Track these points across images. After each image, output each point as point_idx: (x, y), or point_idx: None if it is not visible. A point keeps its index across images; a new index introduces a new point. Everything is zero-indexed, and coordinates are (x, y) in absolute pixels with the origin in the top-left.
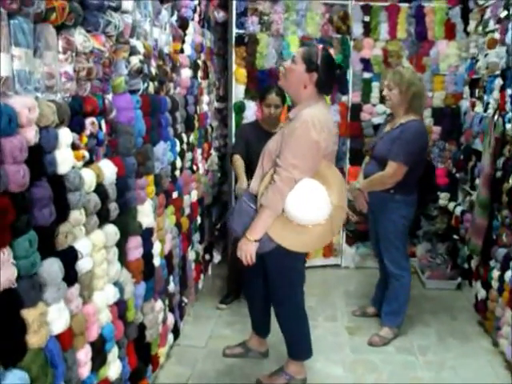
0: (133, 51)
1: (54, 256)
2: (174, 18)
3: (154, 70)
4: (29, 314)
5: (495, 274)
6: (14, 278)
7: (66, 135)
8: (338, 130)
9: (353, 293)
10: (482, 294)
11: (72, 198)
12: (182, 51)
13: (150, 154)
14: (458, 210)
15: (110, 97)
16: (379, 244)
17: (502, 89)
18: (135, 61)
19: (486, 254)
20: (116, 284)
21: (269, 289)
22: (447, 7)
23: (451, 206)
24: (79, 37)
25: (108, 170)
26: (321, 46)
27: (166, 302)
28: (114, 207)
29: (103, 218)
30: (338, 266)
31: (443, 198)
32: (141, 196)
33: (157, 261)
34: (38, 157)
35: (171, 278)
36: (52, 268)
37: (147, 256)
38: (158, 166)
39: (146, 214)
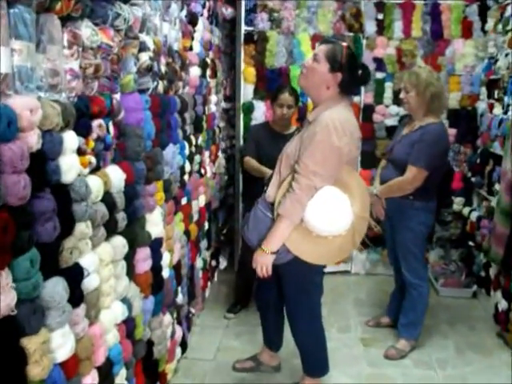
0: (142, 47)
1: (58, 275)
2: (184, 13)
3: (163, 68)
4: (30, 343)
5: None
6: (13, 304)
7: (71, 139)
8: (360, 134)
9: (365, 301)
10: (503, 304)
11: (78, 210)
12: (191, 48)
13: (160, 157)
14: (474, 215)
15: (118, 96)
16: (396, 252)
17: None
18: (145, 58)
19: (507, 263)
20: (124, 300)
21: (284, 302)
22: (464, 5)
23: (466, 211)
24: (86, 30)
25: (116, 176)
26: (345, 43)
27: (175, 314)
28: (122, 217)
29: (111, 229)
30: (348, 272)
31: (458, 203)
32: (150, 204)
33: (166, 272)
34: (41, 165)
35: (180, 289)
36: (56, 289)
37: (156, 268)
38: (167, 171)
39: (155, 223)
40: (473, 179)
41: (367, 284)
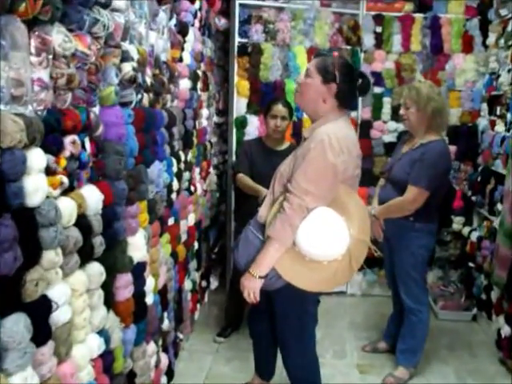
0: (125, 57)
1: (20, 310)
2: (173, 22)
3: (149, 80)
4: None
5: None
6: None
7: (37, 158)
8: (360, 152)
9: (361, 324)
10: (506, 330)
11: (45, 236)
12: (180, 60)
13: (144, 176)
14: (474, 235)
15: (96, 110)
16: (395, 276)
17: None
18: (128, 68)
19: (511, 288)
20: (101, 333)
21: (275, 331)
22: (465, 19)
23: (466, 230)
24: (58, 36)
25: (92, 197)
26: (336, 52)
27: (160, 342)
28: (99, 242)
29: (86, 255)
30: (344, 293)
31: (457, 223)
32: (132, 226)
33: (149, 299)
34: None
35: (165, 314)
36: (16, 328)
37: (139, 295)
38: (152, 190)
39: (137, 247)
40: (473, 198)
41: (363, 306)
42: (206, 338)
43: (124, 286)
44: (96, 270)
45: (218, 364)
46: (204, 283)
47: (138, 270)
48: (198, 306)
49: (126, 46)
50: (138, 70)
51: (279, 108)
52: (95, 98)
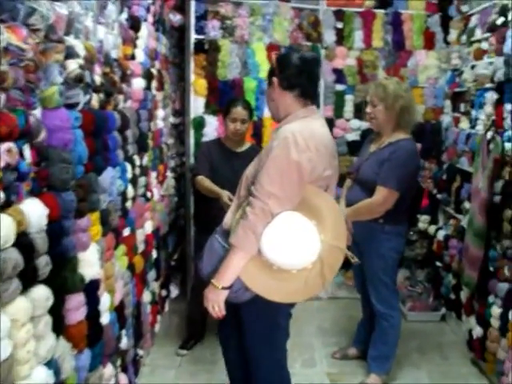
0: (70, 53)
1: None
2: (124, 16)
3: (98, 79)
4: None
5: (495, 311)
6: None
7: None
8: (334, 151)
9: (329, 329)
10: (477, 331)
11: None
12: (133, 57)
13: (95, 185)
14: (441, 234)
15: (37, 113)
16: (364, 280)
17: (498, 103)
18: (73, 66)
19: (481, 288)
20: (50, 364)
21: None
22: (426, 15)
23: (432, 229)
24: None
25: (35, 212)
26: (274, 52)
27: (118, 362)
28: (44, 262)
29: (29, 279)
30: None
31: (423, 221)
32: (83, 241)
33: (105, 318)
34: None
35: (123, 332)
36: None
37: (93, 315)
38: (104, 200)
39: (89, 264)
40: (439, 196)
41: (331, 309)
42: (167, 350)
43: (75, 308)
44: (41, 294)
45: (182, 379)
46: (164, 292)
47: (91, 289)
48: (159, 317)
49: (70, 40)
50: (86, 67)
51: (239, 111)
52: (35, 100)
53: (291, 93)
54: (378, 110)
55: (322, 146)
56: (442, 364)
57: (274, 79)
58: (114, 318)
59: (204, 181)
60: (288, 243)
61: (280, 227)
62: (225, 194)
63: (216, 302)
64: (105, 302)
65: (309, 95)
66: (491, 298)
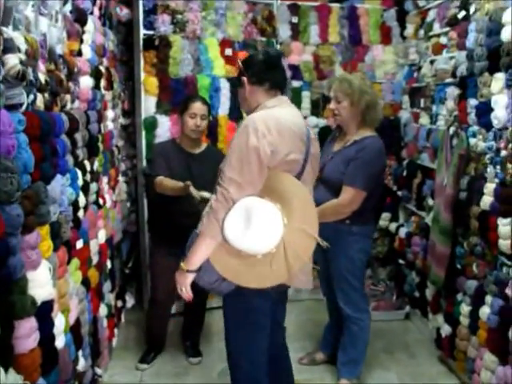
0: (8, 47)
1: None
2: (68, 7)
3: (42, 77)
4: None
5: (464, 309)
6: None
7: None
8: (305, 136)
9: (294, 334)
10: (446, 330)
11: None
12: (79, 53)
13: (43, 195)
14: (403, 231)
15: None
16: (331, 283)
17: (461, 98)
18: (13, 61)
19: (449, 286)
20: None
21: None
22: (382, 9)
23: (393, 227)
24: None
25: None
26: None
27: None
28: None
29: None
30: None
31: (384, 219)
32: (32, 259)
33: (60, 341)
34: None
35: (80, 353)
36: None
37: (46, 340)
38: (54, 211)
39: (40, 284)
40: (399, 193)
41: (293, 313)
42: (126, 365)
43: (26, 335)
44: None
45: None
46: (120, 303)
47: (44, 311)
48: (116, 330)
49: (9, 32)
50: (28, 63)
51: (198, 106)
52: None
53: (261, 87)
54: (342, 107)
55: (286, 130)
56: (410, 364)
57: (244, 78)
58: (69, 340)
59: (165, 180)
60: (248, 227)
61: (240, 212)
62: (189, 183)
63: (183, 285)
64: (59, 323)
65: (278, 87)
66: (459, 296)
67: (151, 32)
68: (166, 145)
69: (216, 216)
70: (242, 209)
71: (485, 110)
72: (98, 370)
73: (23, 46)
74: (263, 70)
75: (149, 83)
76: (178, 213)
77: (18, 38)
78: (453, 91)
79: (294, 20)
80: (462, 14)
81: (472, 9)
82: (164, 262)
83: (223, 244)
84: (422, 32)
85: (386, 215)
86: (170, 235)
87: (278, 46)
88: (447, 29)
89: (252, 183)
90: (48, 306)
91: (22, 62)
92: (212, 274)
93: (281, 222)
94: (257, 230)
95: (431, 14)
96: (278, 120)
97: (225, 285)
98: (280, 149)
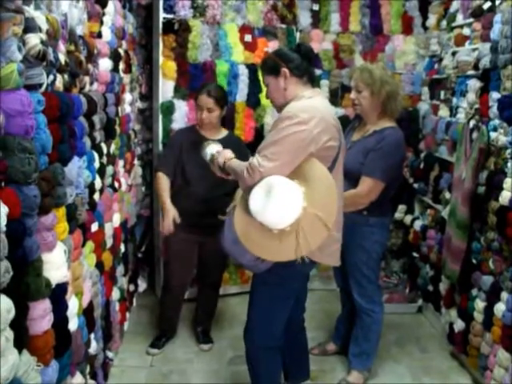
0: (30, 26)
1: None
2: None
3: (62, 58)
4: None
5: (479, 304)
6: None
7: None
8: (339, 126)
9: (305, 324)
10: (459, 325)
11: None
12: (99, 35)
13: (60, 177)
14: (418, 224)
15: None
16: (345, 274)
17: (483, 91)
18: (34, 40)
19: (463, 281)
20: None
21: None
22: None
23: (408, 219)
24: None
25: None
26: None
27: (87, 369)
28: (3, 269)
29: None
30: None
31: (399, 211)
32: (48, 241)
33: (73, 324)
34: None
35: (92, 336)
36: None
37: (60, 322)
38: (71, 193)
39: (56, 265)
40: (415, 185)
41: (306, 302)
42: (137, 349)
43: (41, 317)
44: (1, 306)
45: (154, 380)
46: (132, 287)
47: (58, 293)
48: (127, 314)
49: (30, 11)
50: (49, 43)
51: (203, 98)
52: None
53: (301, 79)
54: (363, 96)
55: (326, 118)
56: (421, 358)
57: (285, 70)
58: (82, 323)
59: (160, 181)
60: (269, 200)
61: (265, 186)
62: (170, 214)
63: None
64: (73, 306)
65: (313, 80)
66: (474, 291)
67: (171, 16)
68: (184, 131)
69: (241, 180)
70: (267, 183)
71: (507, 103)
72: (110, 354)
73: (44, 26)
74: (304, 63)
75: (167, 67)
76: (192, 199)
77: (40, 18)
78: (474, 84)
79: (315, 7)
80: (488, 4)
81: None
82: (178, 248)
83: (248, 214)
84: (444, 23)
85: (401, 207)
86: (184, 221)
87: (298, 34)
88: (471, 20)
89: (286, 165)
90: (62, 288)
91: (42, 42)
92: (251, 253)
93: (300, 203)
94: (277, 205)
95: (455, 5)
96: (317, 109)
97: (263, 264)
98: (322, 136)
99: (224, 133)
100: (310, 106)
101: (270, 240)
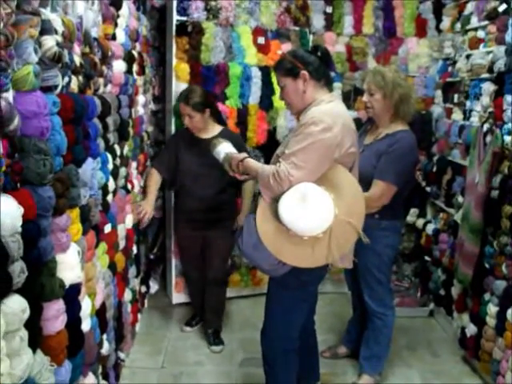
0: (46, 28)
1: None
2: None
3: (77, 59)
4: None
5: (492, 309)
6: None
7: None
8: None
9: (317, 327)
10: (471, 329)
11: None
12: (113, 37)
13: (75, 178)
14: (430, 228)
15: (8, 96)
16: (357, 277)
17: (497, 95)
18: (50, 43)
19: (476, 285)
20: (26, 383)
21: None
22: (418, 1)
23: (420, 223)
24: None
25: (8, 212)
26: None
27: (99, 370)
28: (19, 269)
29: (1, 289)
30: None
31: (411, 214)
32: (62, 241)
33: (86, 324)
34: None
35: (105, 337)
36: None
37: (73, 323)
38: (85, 194)
39: (69, 266)
40: (428, 189)
41: (317, 306)
42: (148, 350)
43: (54, 317)
44: (17, 306)
45: (165, 381)
46: (144, 288)
47: (72, 294)
48: (139, 315)
49: (47, 14)
50: (64, 45)
51: (182, 106)
52: (7, 81)
53: (319, 82)
54: (375, 99)
55: (347, 124)
56: (433, 362)
57: (304, 72)
58: (95, 324)
59: (151, 177)
60: (305, 209)
61: (298, 194)
62: (145, 210)
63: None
64: (86, 307)
65: (330, 83)
66: (487, 296)
67: (184, 18)
68: (182, 132)
69: (267, 188)
70: (300, 191)
71: None
72: (121, 354)
73: (60, 28)
74: (322, 66)
75: (180, 69)
76: (191, 197)
77: (56, 20)
78: (489, 87)
79: (329, 10)
80: (503, 7)
81: None
82: (186, 244)
83: (274, 220)
84: (458, 25)
85: (413, 211)
86: (188, 219)
87: (311, 36)
88: (486, 22)
89: (314, 172)
90: (76, 288)
91: (58, 44)
92: (273, 258)
93: (333, 210)
94: (312, 213)
95: (469, 7)
96: (339, 114)
97: (283, 268)
98: (345, 141)
99: (218, 129)
100: (332, 111)
101: (303, 247)
